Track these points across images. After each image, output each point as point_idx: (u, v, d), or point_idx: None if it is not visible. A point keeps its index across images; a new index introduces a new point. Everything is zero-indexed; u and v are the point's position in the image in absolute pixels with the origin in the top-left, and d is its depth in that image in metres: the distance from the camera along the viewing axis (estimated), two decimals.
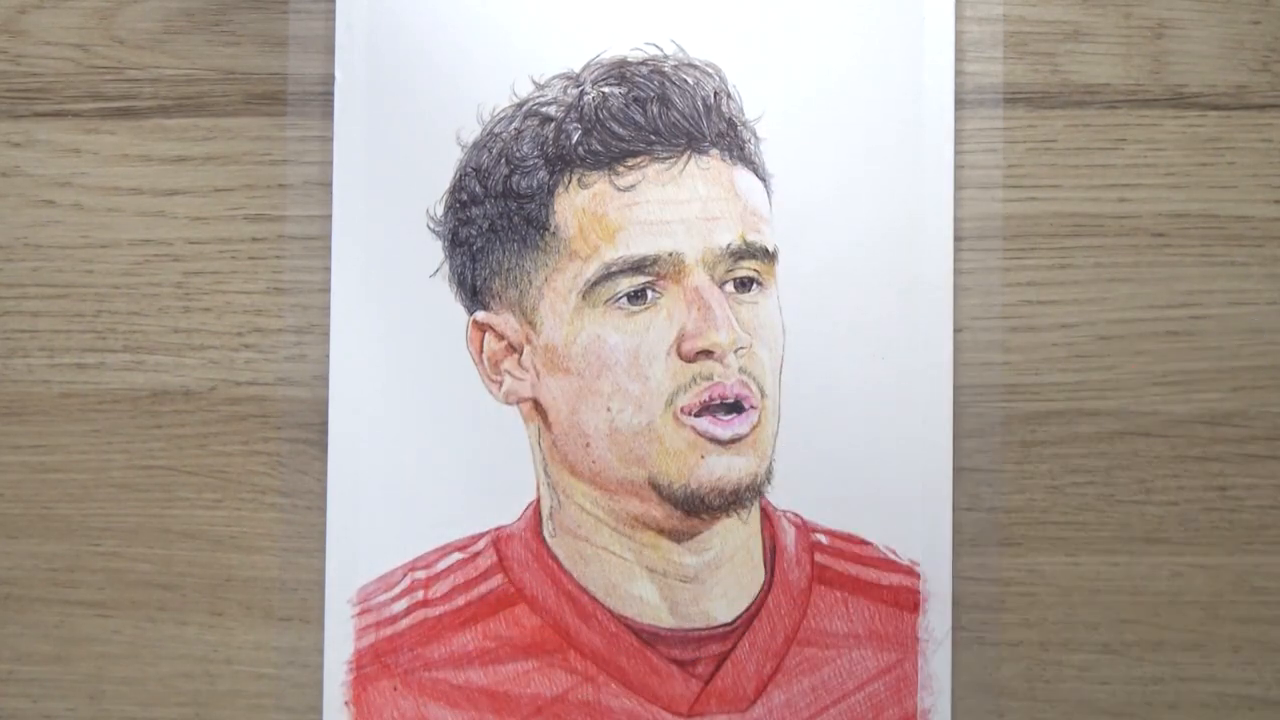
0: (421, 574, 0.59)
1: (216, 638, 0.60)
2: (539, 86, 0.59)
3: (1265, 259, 0.58)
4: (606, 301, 0.57)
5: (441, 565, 0.59)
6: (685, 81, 0.58)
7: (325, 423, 0.59)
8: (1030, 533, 0.58)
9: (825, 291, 0.58)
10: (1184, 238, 0.58)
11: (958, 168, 0.58)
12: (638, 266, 0.57)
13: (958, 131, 0.58)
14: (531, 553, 0.59)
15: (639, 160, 0.57)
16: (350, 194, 0.59)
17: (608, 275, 0.57)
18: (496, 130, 0.59)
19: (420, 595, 0.59)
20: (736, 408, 0.57)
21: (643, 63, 0.58)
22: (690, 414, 0.57)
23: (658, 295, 0.57)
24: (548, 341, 0.58)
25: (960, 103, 0.58)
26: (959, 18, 0.58)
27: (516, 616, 0.59)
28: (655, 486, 0.58)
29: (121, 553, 0.61)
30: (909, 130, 0.58)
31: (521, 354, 0.58)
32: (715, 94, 0.58)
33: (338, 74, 0.59)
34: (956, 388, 0.58)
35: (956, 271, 0.58)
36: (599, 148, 0.57)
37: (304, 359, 0.60)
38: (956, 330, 0.58)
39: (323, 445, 0.59)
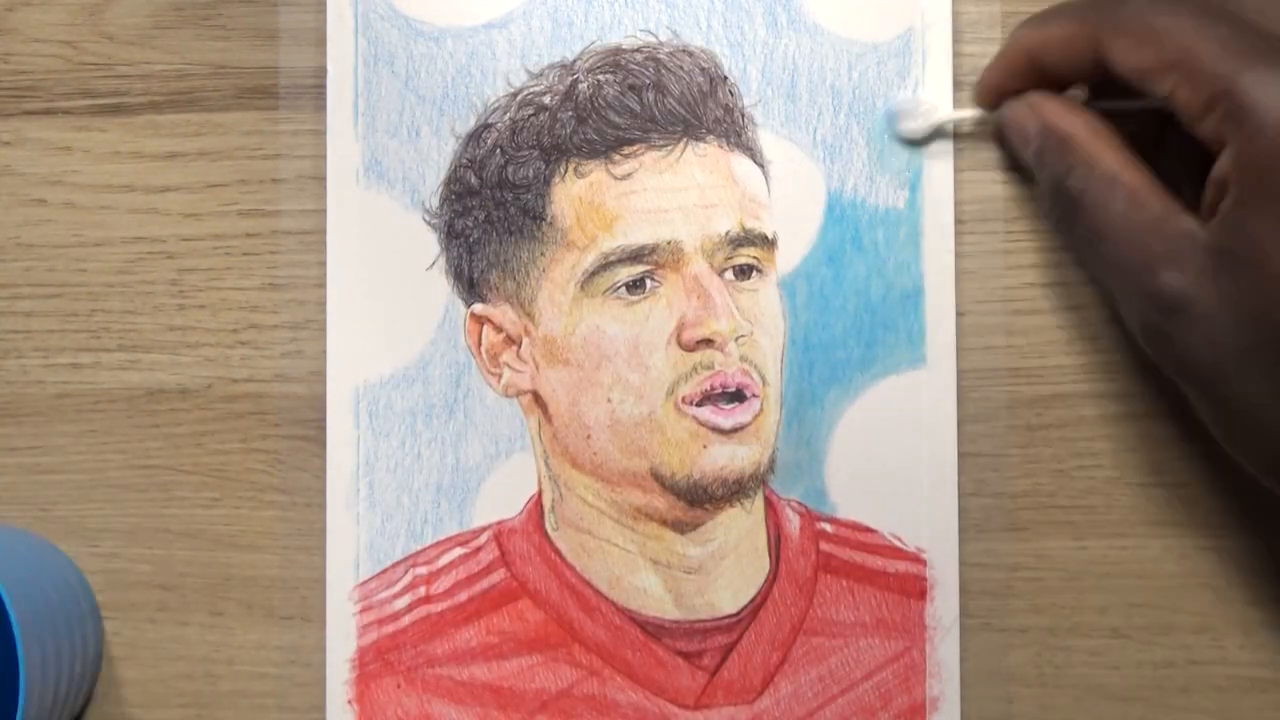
0: (423, 570, 0.58)
1: (217, 638, 0.60)
2: (533, 76, 0.58)
3: None
4: (605, 291, 0.57)
5: (443, 561, 0.58)
6: (681, 68, 0.57)
7: (323, 419, 0.59)
8: (1037, 517, 0.57)
9: (825, 277, 0.57)
10: None
11: (957, 150, 0.57)
12: (636, 255, 0.56)
13: None
14: (534, 547, 0.58)
15: (635, 148, 0.57)
16: (344, 187, 0.58)
17: (606, 265, 0.57)
18: (491, 121, 0.58)
19: (422, 591, 0.58)
20: (738, 396, 0.57)
21: (637, 50, 0.58)
22: (692, 404, 0.57)
23: (656, 284, 0.57)
24: (546, 333, 0.57)
25: (959, 84, 0.57)
26: None
27: (520, 611, 0.58)
28: (658, 477, 0.57)
29: (120, 553, 0.60)
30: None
31: (520, 346, 0.58)
32: (711, 80, 0.58)
33: (329, 66, 0.59)
34: (960, 372, 0.57)
35: (957, 255, 0.57)
36: (594, 136, 0.57)
37: (301, 355, 0.59)
38: (959, 314, 0.57)
39: (321, 442, 0.59)
